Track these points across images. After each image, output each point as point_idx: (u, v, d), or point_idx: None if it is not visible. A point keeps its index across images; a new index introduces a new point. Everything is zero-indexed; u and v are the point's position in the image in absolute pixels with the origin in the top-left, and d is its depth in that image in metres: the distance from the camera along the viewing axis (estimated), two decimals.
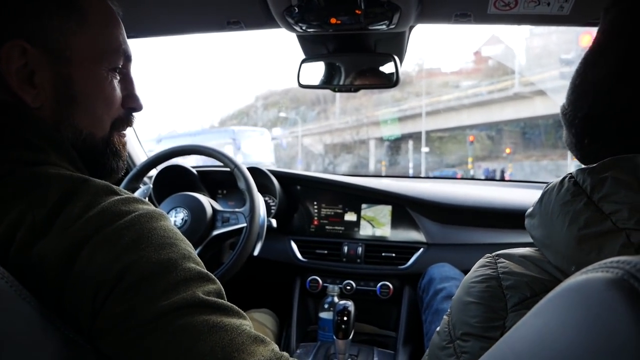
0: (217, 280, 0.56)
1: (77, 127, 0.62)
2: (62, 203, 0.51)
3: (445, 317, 0.74)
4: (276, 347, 0.54)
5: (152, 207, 0.56)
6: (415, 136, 22.30)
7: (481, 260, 0.70)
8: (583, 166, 0.64)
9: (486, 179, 7.45)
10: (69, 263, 0.48)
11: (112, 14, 0.66)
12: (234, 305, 0.54)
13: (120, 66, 0.66)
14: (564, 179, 0.62)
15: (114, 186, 0.57)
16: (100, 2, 0.64)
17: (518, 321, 0.59)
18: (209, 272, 0.55)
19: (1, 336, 0.41)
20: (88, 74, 0.62)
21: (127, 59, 0.68)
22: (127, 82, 0.69)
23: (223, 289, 0.55)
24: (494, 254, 0.69)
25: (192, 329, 0.48)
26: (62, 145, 0.60)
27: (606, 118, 0.59)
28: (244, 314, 0.55)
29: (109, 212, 0.51)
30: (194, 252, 0.56)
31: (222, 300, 0.53)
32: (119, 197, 0.54)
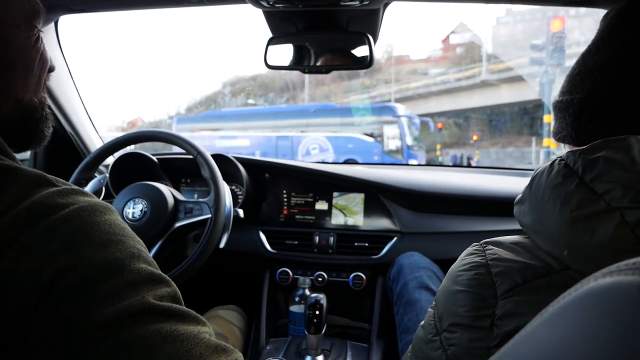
0: (172, 283, 0.49)
1: (17, 96, 0.58)
2: None
3: (430, 309, 0.72)
4: (240, 357, 0.48)
5: (95, 199, 0.49)
6: None
7: (468, 248, 0.68)
8: (573, 149, 0.62)
9: (457, 165, 7.62)
10: None
11: None
12: (192, 311, 0.47)
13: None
14: (553, 161, 0.61)
15: (50, 176, 0.50)
16: None
17: (509, 309, 0.56)
18: (162, 273, 0.48)
19: None
20: (22, 36, 0.58)
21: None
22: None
23: (179, 292, 0.48)
24: (481, 241, 0.68)
25: (141, 340, 0.41)
26: None
27: (605, 99, 0.60)
28: (203, 319, 0.48)
29: (42, 206, 0.44)
30: (145, 250, 0.50)
31: (178, 305, 0.46)
32: (54, 188, 0.47)
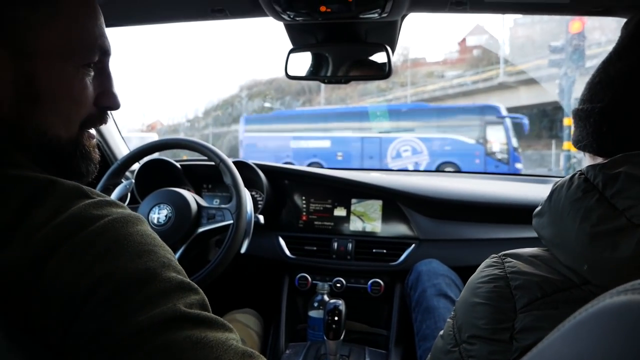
0: (200, 290, 0.51)
1: (41, 128, 0.57)
2: (26, 208, 0.47)
3: (449, 319, 0.72)
4: None
5: (127, 211, 0.52)
6: None
7: (487, 260, 0.69)
8: (592, 163, 0.63)
9: (475, 172, 7.48)
10: (35, 275, 0.44)
11: (89, 3, 0.60)
12: (219, 318, 0.50)
13: (94, 62, 0.60)
14: (573, 175, 0.61)
15: (86, 187, 0.52)
16: None
17: (528, 323, 0.57)
18: (191, 282, 0.51)
19: None
20: (54, 70, 0.56)
21: (104, 53, 0.62)
22: (103, 78, 0.63)
23: (207, 299, 0.51)
24: (500, 253, 0.68)
25: (173, 346, 0.43)
26: (26, 145, 0.55)
27: (626, 109, 0.59)
28: (230, 326, 0.50)
29: (80, 218, 0.47)
30: (175, 259, 0.52)
31: (206, 313, 0.49)
32: (90, 200, 0.50)
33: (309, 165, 12.48)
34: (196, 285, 0.51)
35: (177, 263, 0.52)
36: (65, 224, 0.46)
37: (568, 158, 9.97)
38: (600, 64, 0.65)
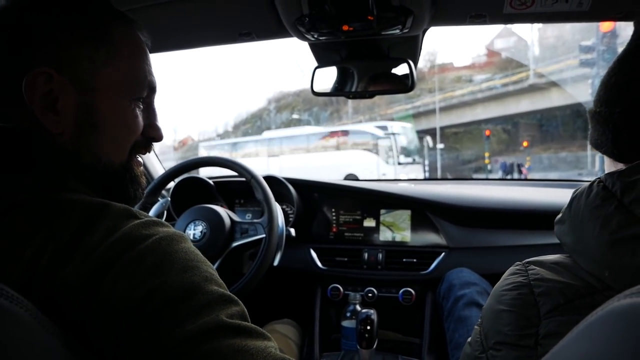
0: (240, 302, 0.55)
1: (96, 154, 0.63)
2: (83, 229, 0.51)
3: (476, 327, 0.74)
4: None
5: (172, 229, 0.56)
6: (430, 133, 22.15)
7: (511, 268, 0.69)
8: (612, 166, 0.63)
9: (504, 179, 7.27)
10: (92, 290, 0.48)
11: (141, 45, 0.67)
12: (258, 327, 0.53)
13: (144, 96, 0.67)
14: (592, 183, 0.61)
15: (134, 209, 0.57)
16: (130, 34, 0.65)
17: (552, 328, 0.58)
18: (231, 294, 0.54)
19: None
20: (111, 102, 0.63)
21: (152, 90, 0.69)
22: (149, 112, 0.69)
23: (246, 310, 0.54)
24: (524, 261, 0.69)
25: (217, 354, 0.47)
26: (81, 171, 0.60)
27: None
28: (268, 335, 0.53)
29: (130, 237, 0.51)
30: (216, 274, 0.56)
31: (246, 323, 0.52)
32: (139, 220, 0.54)
33: None
34: (236, 298, 0.54)
35: (218, 277, 0.55)
36: (118, 243, 0.50)
37: (604, 159, 9.66)
38: (616, 61, 0.63)
